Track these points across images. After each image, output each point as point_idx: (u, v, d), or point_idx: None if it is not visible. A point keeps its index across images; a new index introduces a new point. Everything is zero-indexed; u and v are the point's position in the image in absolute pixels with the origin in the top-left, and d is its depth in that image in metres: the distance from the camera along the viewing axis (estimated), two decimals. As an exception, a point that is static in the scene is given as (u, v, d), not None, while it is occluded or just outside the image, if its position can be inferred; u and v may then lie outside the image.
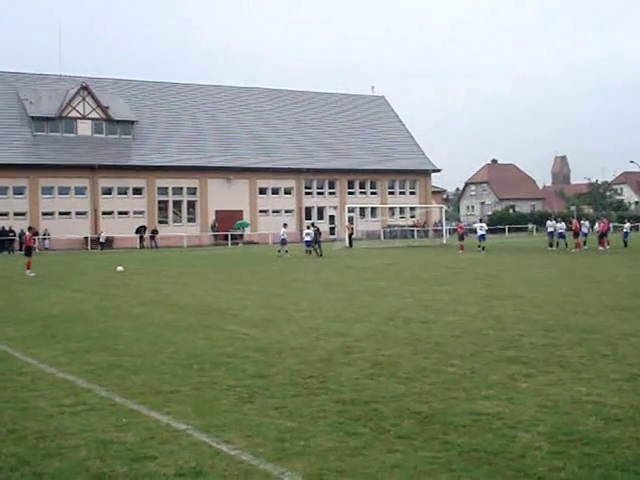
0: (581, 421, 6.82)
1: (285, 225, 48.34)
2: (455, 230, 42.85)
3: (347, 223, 58.90)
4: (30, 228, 33.06)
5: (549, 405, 7.39)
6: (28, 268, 28.88)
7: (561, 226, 44.18)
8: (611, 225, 49.43)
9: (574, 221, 45.47)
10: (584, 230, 43.94)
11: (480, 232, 44.13)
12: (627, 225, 48.63)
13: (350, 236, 54.77)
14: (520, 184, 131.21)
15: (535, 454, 5.94)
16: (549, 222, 45.66)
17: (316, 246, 41.64)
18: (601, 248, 41.98)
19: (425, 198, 79.13)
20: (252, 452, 6.14)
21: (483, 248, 42.36)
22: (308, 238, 42.42)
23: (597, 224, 45.09)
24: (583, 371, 8.95)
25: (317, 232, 42.57)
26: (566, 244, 43.04)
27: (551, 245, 43.27)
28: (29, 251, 30.06)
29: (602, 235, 43.61)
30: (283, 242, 43.11)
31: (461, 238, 44.49)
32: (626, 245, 44.32)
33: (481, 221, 50.54)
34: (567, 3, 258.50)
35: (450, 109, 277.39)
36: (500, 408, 7.31)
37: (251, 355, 10.50)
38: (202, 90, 76.91)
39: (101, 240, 60.54)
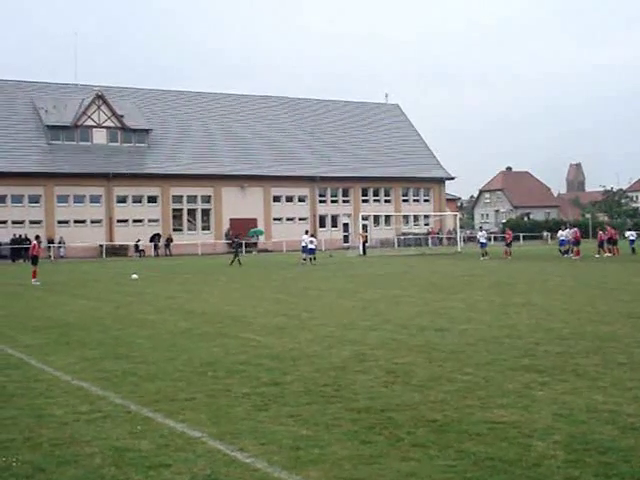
0: (597, 430, 6.78)
1: (307, 232, 47.93)
2: (503, 238, 45.97)
3: (361, 231, 58.89)
4: (37, 237, 33.17)
5: (565, 414, 7.35)
6: (34, 277, 29.06)
7: (566, 233, 45.03)
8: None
9: (574, 230, 45.66)
10: (562, 239, 44.94)
11: (482, 240, 46.63)
12: (630, 233, 48.48)
13: (364, 244, 54.74)
14: (535, 192, 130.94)
15: (551, 463, 5.91)
16: (560, 232, 46.15)
17: (237, 257, 42.36)
18: (597, 255, 42.72)
19: (439, 206, 78.98)
20: (267, 460, 6.14)
21: (485, 254, 44.43)
22: (312, 246, 42.82)
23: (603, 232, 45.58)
24: (599, 379, 8.90)
25: (237, 241, 43.38)
26: (568, 251, 43.96)
27: (564, 253, 43.79)
28: (35, 260, 30.21)
29: (605, 242, 44.34)
30: (311, 250, 42.78)
31: (508, 245, 46.05)
32: (634, 252, 44.74)
33: (481, 229, 52.57)
34: (584, 7, 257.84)
35: (465, 117, 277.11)
36: (515, 417, 7.28)
37: (265, 363, 10.50)
38: (217, 98, 77.16)
39: (140, 248, 61.39)
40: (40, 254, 31.23)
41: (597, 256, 42.86)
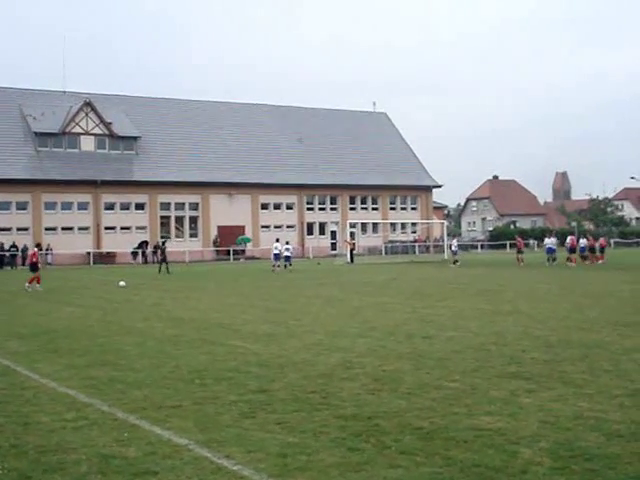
0: (583, 437, 6.82)
1: (277, 240, 48.13)
2: (515, 244, 50.29)
3: (348, 239, 58.97)
4: (38, 245, 33.31)
5: (551, 421, 7.38)
6: (37, 282, 28.95)
7: (552, 241, 45.89)
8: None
9: (571, 237, 46.82)
10: (548, 246, 45.70)
11: (454, 248, 48.79)
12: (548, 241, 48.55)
13: (351, 252, 54.81)
14: (521, 200, 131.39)
15: (537, 470, 5.94)
16: (547, 240, 46.89)
17: (163, 265, 42.77)
18: (586, 262, 43.61)
19: (426, 214, 79.17)
20: (254, 467, 6.14)
21: (456, 262, 45.90)
22: (288, 253, 43.22)
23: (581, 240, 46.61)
24: (585, 387, 8.94)
25: (162, 249, 43.99)
26: (554, 259, 44.70)
27: (553, 260, 44.71)
28: (33, 267, 30.04)
29: (588, 250, 45.41)
30: (287, 258, 43.33)
31: (520, 252, 47.02)
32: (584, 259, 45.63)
33: (454, 238, 54.59)
34: (567, 18, 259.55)
35: (452, 125, 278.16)
36: (502, 424, 7.31)
37: (253, 370, 10.50)
38: (205, 106, 77.14)
39: (145, 253, 62.87)
40: (39, 262, 31.10)
41: (587, 262, 43.84)
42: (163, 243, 47.08)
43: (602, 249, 46.10)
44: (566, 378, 9.49)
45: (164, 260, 43.30)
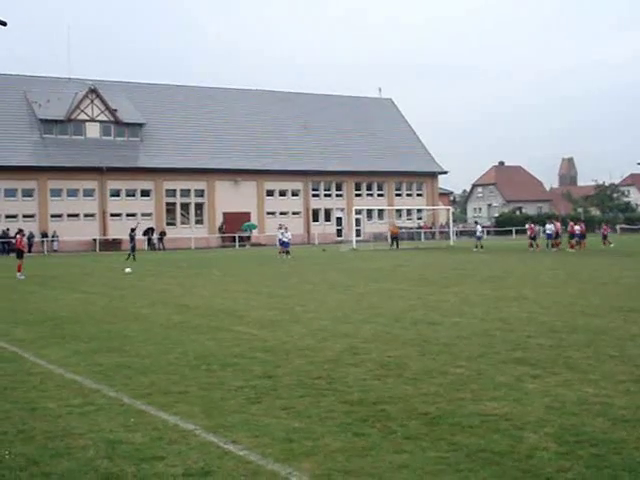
0: (588, 422, 6.82)
1: (280, 227, 48.23)
2: (526, 231, 51.97)
3: (391, 225, 59.21)
4: (21, 230, 32.94)
5: (556, 406, 7.39)
6: (19, 270, 28.88)
7: (550, 227, 47.37)
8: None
9: (570, 223, 47.89)
10: (548, 232, 47.33)
11: (478, 234, 50.62)
12: (549, 227, 48.96)
13: (395, 238, 54.90)
14: (527, 186, 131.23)
15: (542, 455, 5.94)
16: (548, 225, 47.77)
17: (132, 253, 42.55)
18: (570, 249, 44.48)
19: (432, 200, 79.12)
20: (260, 452, 6.16)
21: (481, 247, 47.35)
22: (286, 240, 43.15)
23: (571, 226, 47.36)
24: (590, 372, 8.94)
25: (132, 236, 44.01)
26: (547, 244, 46.56)
27: (552, 245, 46.16)
28: (20, 254, 29.96)
29: (572, 236, 46.24)
30: (285, 244, 43.38)
31: (533, 238, 47.94)
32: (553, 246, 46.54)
33: (477, 224, 57.34)
34: (574, 4, 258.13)
35: (458, 111, 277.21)
36: (507, 409, 7.32)
37: (258, 356, 10.52)
38: (210, 92, 77.04)
39: (153, 240, 62.30)
40: (25, 247, 30.84)
41: (553, 249, 44.99)
42: (133, 230, 46.82)
43: (578, 235, 45.75)
44: (571, 363, 9.49)
45: (134, 248, 43.37)
